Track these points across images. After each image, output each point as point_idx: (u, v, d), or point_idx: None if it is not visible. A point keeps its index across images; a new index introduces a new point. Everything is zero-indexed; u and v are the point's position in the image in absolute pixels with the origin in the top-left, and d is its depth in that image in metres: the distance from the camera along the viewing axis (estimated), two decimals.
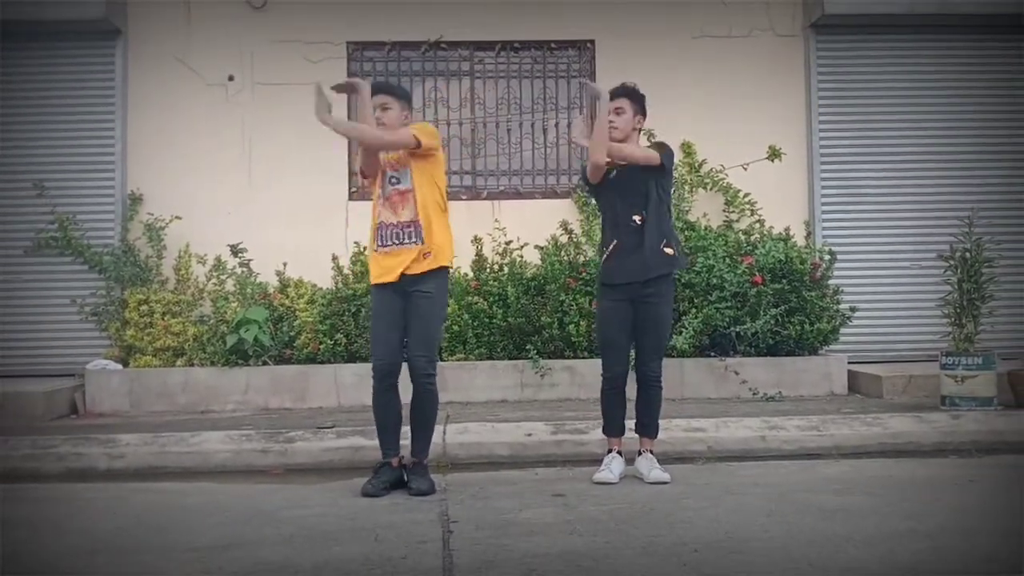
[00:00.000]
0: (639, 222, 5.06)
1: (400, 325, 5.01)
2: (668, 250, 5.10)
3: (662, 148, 5.19)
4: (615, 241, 5.13)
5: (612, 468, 5.14)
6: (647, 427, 5.26)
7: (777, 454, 5.93)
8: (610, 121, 5.13)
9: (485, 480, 5.30)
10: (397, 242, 4.98)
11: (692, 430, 6.11)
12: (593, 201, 8.50)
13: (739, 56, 8.92)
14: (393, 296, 4.99)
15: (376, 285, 5.06)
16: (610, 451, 5.24)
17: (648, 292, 5.08)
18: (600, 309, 5.31)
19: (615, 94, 5.19)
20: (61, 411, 7.50)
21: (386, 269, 4.99)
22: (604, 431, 5.32)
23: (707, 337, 7.69)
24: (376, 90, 5.16)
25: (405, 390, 5.00)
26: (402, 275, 4.95)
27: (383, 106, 5.06)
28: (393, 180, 5.04)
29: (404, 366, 5.01)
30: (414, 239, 4.97)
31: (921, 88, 9.02)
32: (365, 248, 8.05)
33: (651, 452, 5.23)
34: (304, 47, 8.75)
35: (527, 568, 3.52)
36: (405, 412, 5.08)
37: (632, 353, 5.28)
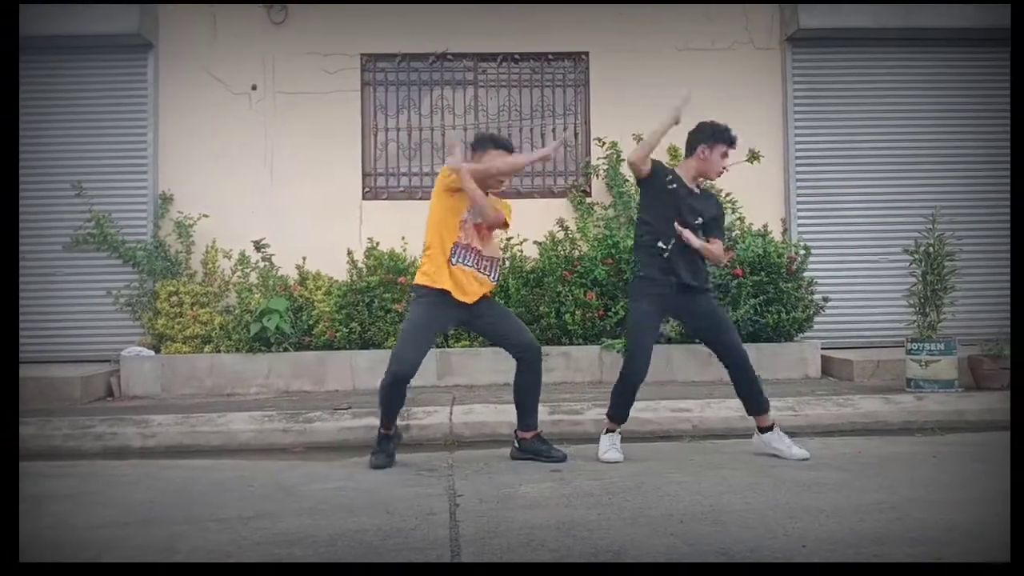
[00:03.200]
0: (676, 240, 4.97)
1: (434, 340, 5.05)
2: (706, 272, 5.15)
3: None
4: (672, 241, 4.94)
5: (619, 447, 5.08)
6: (756, 405, 5.12)
7: None
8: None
9: (488, 457, 5.29)
10: (477, 268, 4.94)
11: (678, 410, 6.10)
12: (588, 200, 8.53)
13: (721, 67, 8.90)
14: (449, 310, 4.93)
15: (434, 292, 4.89)
16: (611, 431, 5.15)
17: (698, 295, 5.01)
18: (639, 313, 5.02)
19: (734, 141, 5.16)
20: (98, 394, 7.51)
21: (471, 291, 4.92)
22: (608, 413, 5.18)
23: None
24: (487, 143, 5.13)
25: None
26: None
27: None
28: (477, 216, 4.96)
29: None
30: (492, 275, 5.02)
31: (888, 96, 9.01)
32: (378, 243, 8.05)
33: (774, 427, 5.11)
34: (321, 59, 8.74)
35: (527, 537, 3.52)
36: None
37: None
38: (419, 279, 4.98)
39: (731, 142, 5.11)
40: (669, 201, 5.00)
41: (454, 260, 4.89)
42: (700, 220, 5.05)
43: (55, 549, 3.52)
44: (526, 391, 5.12)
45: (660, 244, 4.97)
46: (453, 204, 4.93)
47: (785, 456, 5.00)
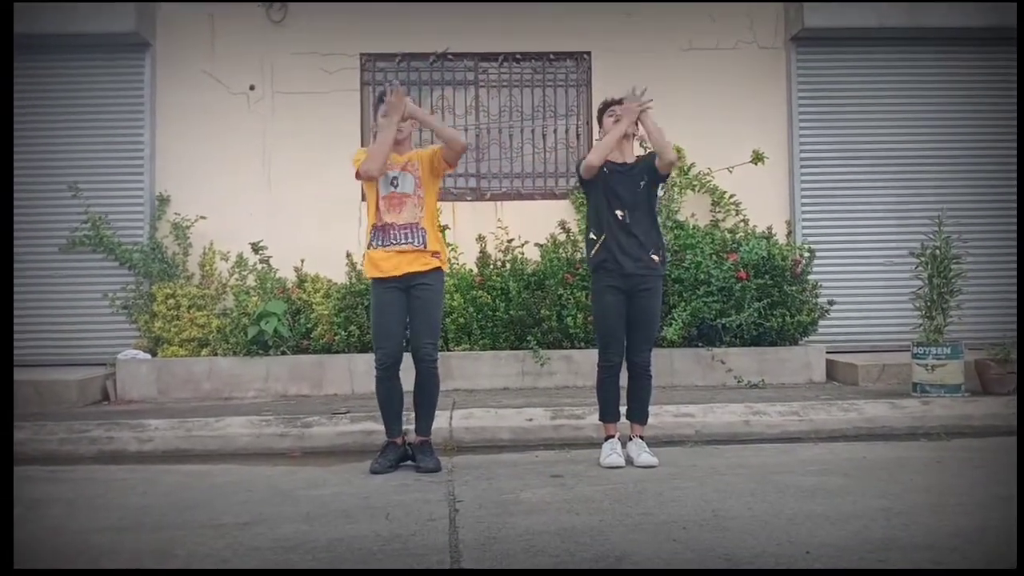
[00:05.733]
0: (621, 217, 5.03)
1: (403, 319, 5.04)
2: (655, 257, 5.09)
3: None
4: (604, 235, 5.06)
5: (620, 452, 5.11)
6: (638, 414, 5.23)
7: (760, 438, 5.93)
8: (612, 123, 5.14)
9: (489, 462, 5.30)
10: (401, 241, 4.98)
11: (681, 415, 6.10)
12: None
13: (725, 67, 8.91)
14: (396, 292, 5.00)
15: (378, 280, 5.03)
16: (610, 437, 5.19)
17: (643, 287, 5.05)
18: (600, 306, 5.16)
19: (615, 103, 5.18)
20: (94, 398, 7.52)
21: (392, 266, 4.98)
22: (602, 418, 5.25)
23: (695, 329, 7.68)
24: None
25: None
26: (407, 273, 4.98)
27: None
28: (394, 182, 5.02)
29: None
30: (420, 241, 4.99)
31: (893, 96, 9.00)
32: None
33: (641, 438, 5.22)
34: (320, 59, 8.75)
35: (528, 544, 3.53)
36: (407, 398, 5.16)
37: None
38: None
39: (610, 104, 5.25)
40: (601, 190, 5.11)
41: (374, 244, 5.02)
42: (643, 182, 5.11)
43: (50, 555, 3.53)
44: (416, 399, 5.14)
45: (592, 236, 5.13)
46: (369, 186, 5.09)
47: (635, 462, 5.07)
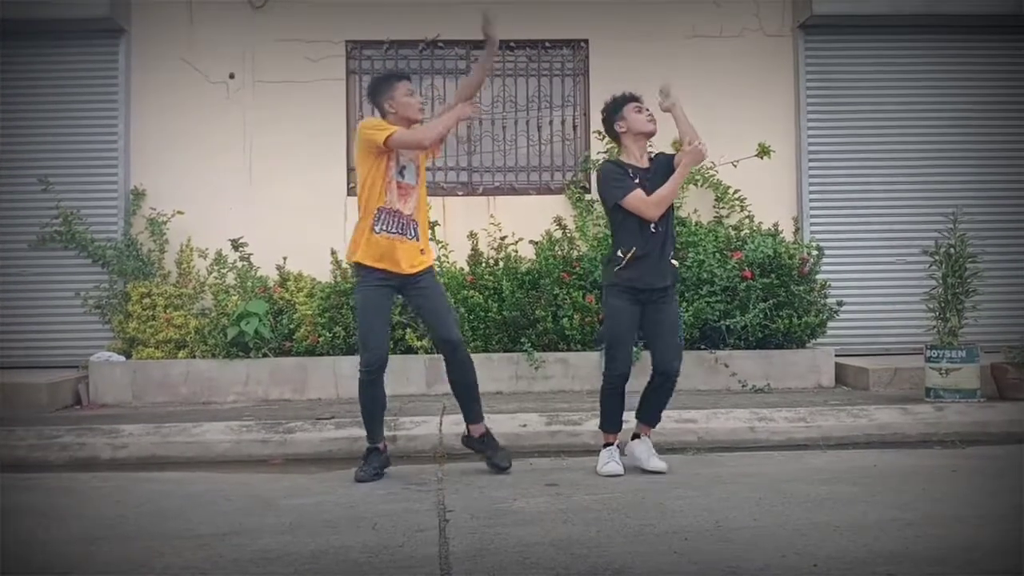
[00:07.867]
0: (655, 230, 5.00)
1: (390, 319, 5.06)
2: (674, 261, 5.15)
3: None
4: (634, 248, 4.96)
5: (619, 460, 5.11)
6: (651, 418, 5.22)
7: (766, 445, 5.95)
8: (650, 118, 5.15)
9: (480, 470, 5.29)
10: (400, 232, 4.99)
11: (683, 421, 6.11)
12: (587, 196, 8.53)
13: (729, 55, 8.92)
14: (388, 289, 5.03)
15: (369, 271, 5.00)
16: (608, 444, 5.18)
17: (663, 295, 5.04)
18: (613, 308, 5.08)
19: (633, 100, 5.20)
20: (65, 402, 7.50)
21: (387, 257, 4.96)
22: (602, 427, 5.23)
23: (697, 330, 7.69)
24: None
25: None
26: (405, 274, 5.00)
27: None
28: (403, 172, 5.06)
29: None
30: (413, 235, 5.04)
31: (907, 87, 9.01)
32: None
33: (649, 438, 5.22)
34: (304, 46, 8.73)
35: (521, 556, 3.53)
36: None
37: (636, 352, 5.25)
38: (348, 254, 5.21)
39: (634, 97, 5.21)
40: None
41: (377, 228, 4.98)
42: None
43: (20, 566, 3.53)
44: (457, 390, 5.25)
45: (619, 253, 5.03)
46: (379, 164, 5.02)
47: (644, 466, 5.11)
